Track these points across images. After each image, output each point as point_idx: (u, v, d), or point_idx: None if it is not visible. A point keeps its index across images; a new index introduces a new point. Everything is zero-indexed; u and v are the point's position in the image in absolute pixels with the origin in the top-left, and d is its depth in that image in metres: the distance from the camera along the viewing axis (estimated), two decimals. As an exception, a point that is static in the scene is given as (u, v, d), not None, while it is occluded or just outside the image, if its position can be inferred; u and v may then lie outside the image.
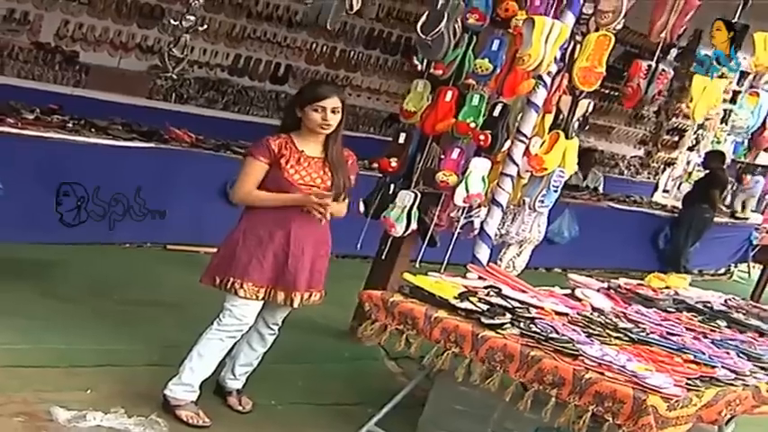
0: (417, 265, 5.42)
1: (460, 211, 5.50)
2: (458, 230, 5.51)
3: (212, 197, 6.93)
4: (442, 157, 5.38)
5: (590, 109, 5.51)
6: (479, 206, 5.48)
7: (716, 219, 11.07)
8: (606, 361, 3.73)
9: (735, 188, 12.87)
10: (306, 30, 10.00)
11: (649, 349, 4.05)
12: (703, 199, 10.72)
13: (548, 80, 5.27)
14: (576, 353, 3.82)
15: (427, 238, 5.49)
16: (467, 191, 5.25)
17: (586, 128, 5.65)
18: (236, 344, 4.37)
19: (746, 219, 12.12)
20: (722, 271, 12.23)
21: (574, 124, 5.40)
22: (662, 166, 13.90)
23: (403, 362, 5.42)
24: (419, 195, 5.47)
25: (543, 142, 5.36)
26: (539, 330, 4.00)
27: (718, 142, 14.95)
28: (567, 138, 5.34)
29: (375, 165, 5.90)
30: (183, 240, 6.97)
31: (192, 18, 6.64)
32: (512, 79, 5.14)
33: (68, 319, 5.03)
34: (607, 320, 4.38)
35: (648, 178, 13.89)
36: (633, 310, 4.71)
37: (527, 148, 5.33)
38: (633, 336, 4.20)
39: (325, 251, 4.40)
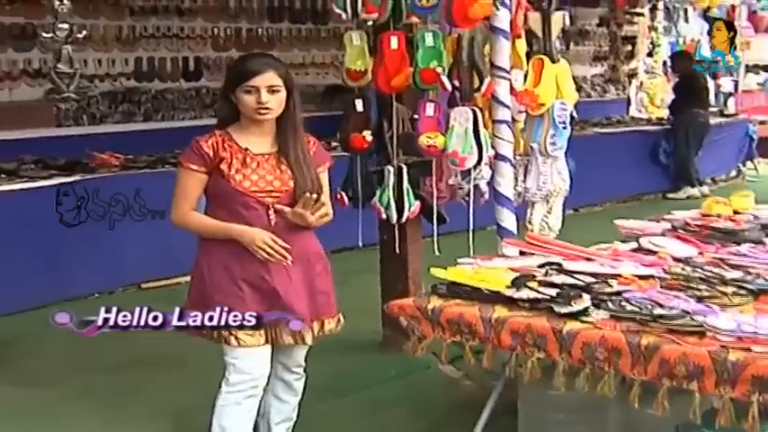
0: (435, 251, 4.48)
1: (458, 175, 4.57)
2: (465, 198, 4.60)
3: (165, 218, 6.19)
4: (416, 117, 4.51)
5: (567, 22, 4.74)
6: (478, 165, 4.49)
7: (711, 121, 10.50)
8: (747, 332, 2.76)
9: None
10: (200, 15, 8.94)
11: (784, 299, 3.09)
12: (692, 103, 10.02)
13: (506, -2, 4.37)
14: (700, 328, 2.85)
15: (435, 216, 4.60)
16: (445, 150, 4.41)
17: (569, 48, 4.82)
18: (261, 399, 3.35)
19: (736, 115, 11.46)
20: (733, 174, 11.62)
21: (555, 44, 4.60)
22: (626, 80, 13.07)
23: (460, 363, 4.37)
24: (404, 168, 4.60)
25: (526, 74, 4.55)
26: (637, 308, 3.03)
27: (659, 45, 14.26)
28: (552, 62, 4.52)
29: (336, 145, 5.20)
30: (159, 275, 6.32)
31: (65, 26, 5.75)
32: (459, 3, 4.22)
33: (52, 406, 4.28)
34: (708, 274, 3.40)
35: (618, 95, 13.06)
36: (726, 251, 3.73)
37: (510, 85, 4.47)
38: (751, 286, 3.23)
39: (321, 266, 3.34)
